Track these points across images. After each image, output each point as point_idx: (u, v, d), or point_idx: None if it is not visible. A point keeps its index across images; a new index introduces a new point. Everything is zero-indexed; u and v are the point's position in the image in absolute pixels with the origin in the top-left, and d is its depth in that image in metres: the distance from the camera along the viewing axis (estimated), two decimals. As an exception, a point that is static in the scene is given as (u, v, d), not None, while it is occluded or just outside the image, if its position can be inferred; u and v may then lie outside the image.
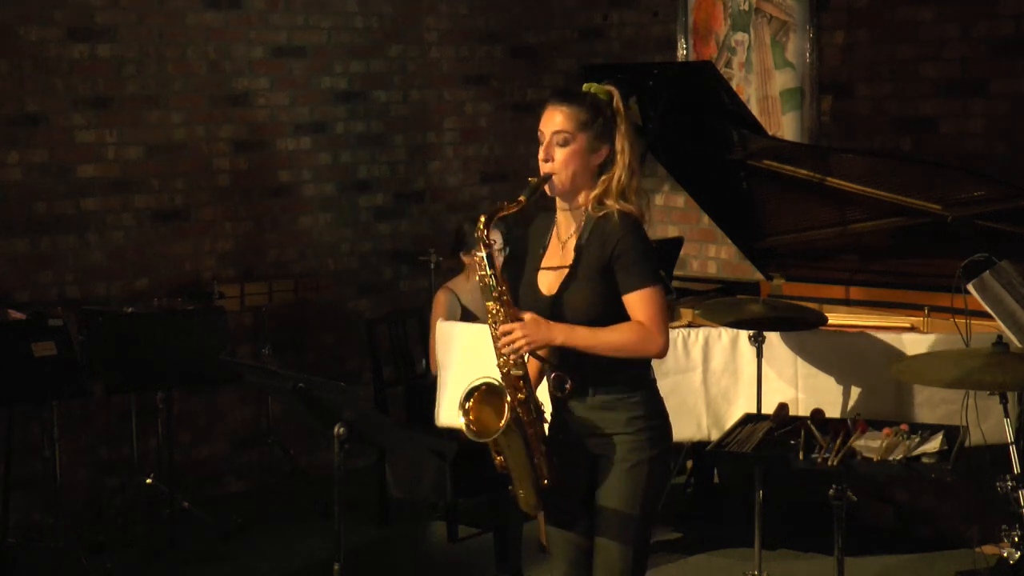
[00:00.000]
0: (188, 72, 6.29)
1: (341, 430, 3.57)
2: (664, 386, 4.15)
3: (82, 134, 6.01)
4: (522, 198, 3.39)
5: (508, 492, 3.52)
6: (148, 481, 5.87)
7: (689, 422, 4.91)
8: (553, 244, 3.52)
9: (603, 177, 3.42)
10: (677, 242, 5.94)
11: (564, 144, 3.41)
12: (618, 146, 3.43)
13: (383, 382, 5.96)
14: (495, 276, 3.37)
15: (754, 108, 6.18)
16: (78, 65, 5.96)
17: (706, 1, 6.55)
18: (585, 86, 3.50)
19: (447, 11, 7.21)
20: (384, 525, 5.89)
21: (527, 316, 3.37)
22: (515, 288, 3.54)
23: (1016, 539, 3.92)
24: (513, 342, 3.33)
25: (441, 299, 5.61)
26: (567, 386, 3.42)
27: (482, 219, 3.39)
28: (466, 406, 3.36)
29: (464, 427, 3.36)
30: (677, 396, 4.83)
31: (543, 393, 3.55)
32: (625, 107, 3.50)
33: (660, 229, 6.82)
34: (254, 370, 4.66)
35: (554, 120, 3.42)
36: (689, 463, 6.18)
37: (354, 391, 3.88)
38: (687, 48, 6.64)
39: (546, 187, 3.43)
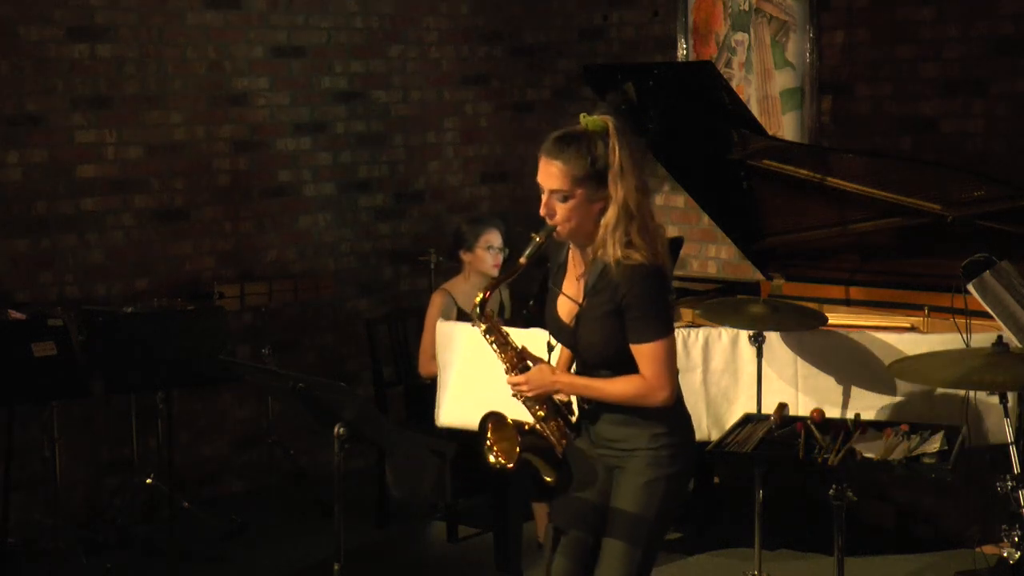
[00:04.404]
0: (188, 72, 6.29)
1: (341, 430, 3.57)
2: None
3: (82, 134, 6.01)
4: (523, 260, 3.40)
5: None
6: (148, 481, 5.88)
7: (689, 422, 4.91)
8: (570, 269, 3.53)
9: (602, 221, 3.35)
10: (677, 242, 5.94)
11: (563, 200, 3.36)
12: (610, 189, 3.34)
13: (383, 382, 5.96)
14: (500, 340, 3.46)
15: (754, 108, 6.18)
16: (78, 65, 5.96)
17: (706, 1, 6.55)
18: (582, 119, 3.39)
19: (447, 11, 7.22)
20: (384, 525, 5.89)
21: (535, 368, 3.44)
22: (541, 298, 3.58)
23: (1016, 539, 3.91)
24: (520, 391, 3.43)
25: (437, 300, 5.60)
26: None
27: (478, 297, 3.44)
28: (488, 442, 3.42)
29: (493, 462, 3.41)
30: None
31: None
32: (629, 109, 3.46)
33: (660, 229, 6.81)
34: (254, 370, 4.66)
35: (550, 175, 3.36)
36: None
37: (354, 391, 3.88)
38: (687, 48, 6.64)
39: (554, 233, 3.41)
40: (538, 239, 3.39)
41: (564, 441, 3.48)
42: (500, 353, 3.47)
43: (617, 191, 3.33)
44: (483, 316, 3.46)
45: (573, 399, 3.57)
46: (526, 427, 3.45)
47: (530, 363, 3.46)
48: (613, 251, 3.32)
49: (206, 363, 5.34)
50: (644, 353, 3.35)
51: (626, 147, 3.36)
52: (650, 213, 3.39)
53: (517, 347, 3.48)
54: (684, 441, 3.48)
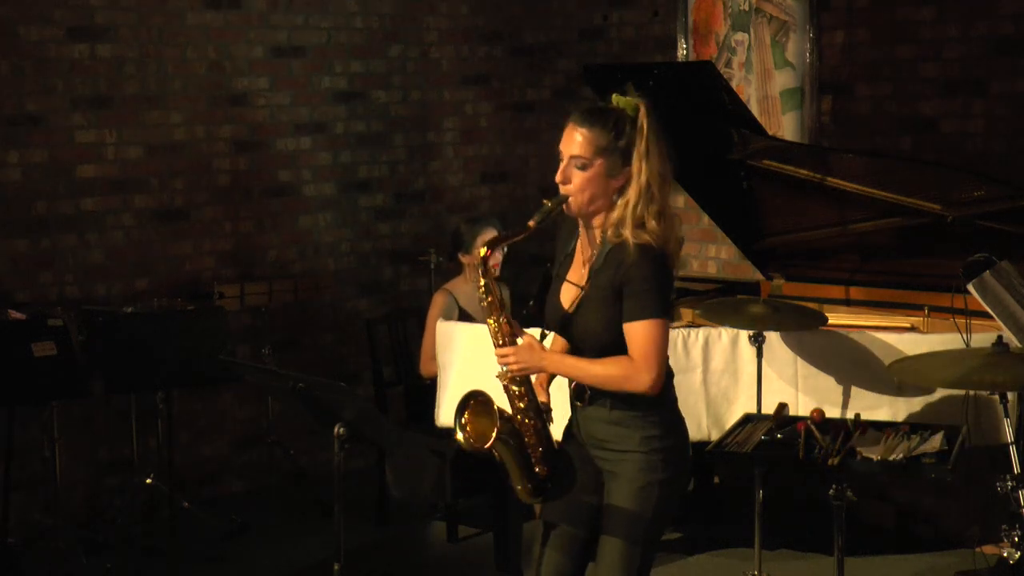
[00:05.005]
0: (188, 72, 6.29)
1: (341, 430, 3.57)
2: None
3: (82, 134, 6.00)
4: (531, 223, 3.33)
5: (508, 492, 3.53)
6: (148, 481, 5.87)
7: (689, 422, 4.82)
8: (577, 257, 3.47)
9: (620, 201, 3.30)
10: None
11: (582, 168, 3.30)
12: (634, 168, 3.28)
13: (383, 382, 5.96)
14: (495, 302, 3.38)
15: (754, 108, 6.18)
16: (78, 65, 5.96)
17: (706, 1, 6.55)
18: (614, 98, 3.34)
19: (447, 11, 7.22)
20: (384, 525, 5.89)
21: (524, 340, 3.37)
22: (541, 298, 3.53)
23: (1016, 539, 3.92)
24: (507, 364, 3.35)
25: (438, 301, 5.60)
26: (587, 395, 3.40)
27: (483, 251, 3.35)
28: (463, 420, 3.36)
29: (462, 440, 3.36)
30: (677, 396, 4.84)
31: (563, 397, 3.56)
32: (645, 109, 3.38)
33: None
34: (254, 370, 4.66)
35: (573, 142, 3.31)
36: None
37: (354, 391, 3.88)
38: (687, 48, 6.64)
39: (564, 206, 3.35)
40: (549, 205, 3.33)
41: (541, 449, 3.41)
42: (492, 319, 3.37)
43: (641, 171, 3.27)
44: (485, 272, 3.37)
45: (557, 402, 3.55)
46: (506, 415, 3.38)
47: (520, 339, 3.39)
48: (627, 230, 3.27)
49: (206, 363, 5.34)
50: (634, 331, 3.27)
51: (655, 131, 3.31)
52: (669, 203, 3.35)
53: (510, 318, 3.41)
54: (677, 445, 3.42)
